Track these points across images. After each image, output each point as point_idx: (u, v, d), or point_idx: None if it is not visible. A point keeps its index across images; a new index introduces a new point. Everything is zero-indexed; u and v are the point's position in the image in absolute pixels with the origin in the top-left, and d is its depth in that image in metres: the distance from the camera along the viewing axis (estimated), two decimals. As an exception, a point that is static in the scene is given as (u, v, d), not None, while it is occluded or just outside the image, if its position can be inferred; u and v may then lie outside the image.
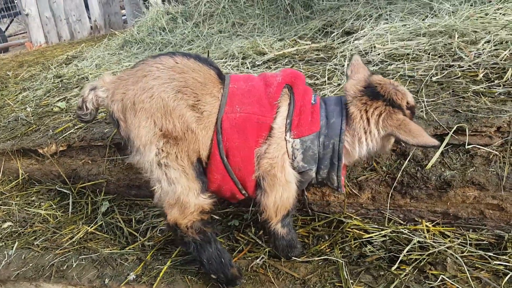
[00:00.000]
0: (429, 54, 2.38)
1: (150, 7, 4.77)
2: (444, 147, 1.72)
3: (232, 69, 2.94)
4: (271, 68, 2.81)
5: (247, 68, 2.89)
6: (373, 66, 2.45)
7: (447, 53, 2.34)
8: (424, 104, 1.89)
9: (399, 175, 1.79)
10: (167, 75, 1.48)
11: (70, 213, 2.43)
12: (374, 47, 2.65)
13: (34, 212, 2.48)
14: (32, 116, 3.07)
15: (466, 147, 1.68)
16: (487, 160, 1.66)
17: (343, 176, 1.62)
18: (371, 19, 3.09)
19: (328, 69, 2.54)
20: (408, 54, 2.44)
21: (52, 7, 8.11)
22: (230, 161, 1.54)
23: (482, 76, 2.02)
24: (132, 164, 1.59)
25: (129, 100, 1.48)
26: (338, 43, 3.00)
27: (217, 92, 1.53)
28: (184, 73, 1.49)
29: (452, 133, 1.71)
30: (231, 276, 1.67)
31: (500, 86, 1.91)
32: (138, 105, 1.46)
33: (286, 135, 1.54)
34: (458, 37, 2.43)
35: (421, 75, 2.19)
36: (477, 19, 2.63)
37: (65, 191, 2.58)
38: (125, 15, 8.38)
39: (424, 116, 1.81)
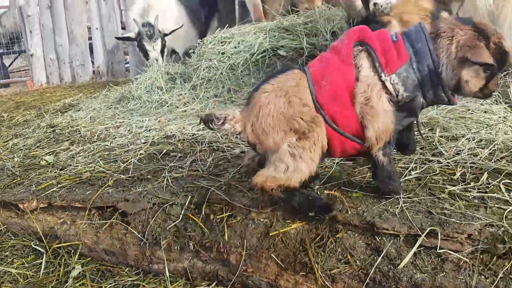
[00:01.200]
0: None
1: (151, 65, 4.93)
2: (417, 248, 1.74)
3: (221, 137, 3.00)
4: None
5: (236, 137, 2.96)
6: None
7: (428, 146, 2.42)
8: (401, 201, 1.93)
9: (371, 272, 1.79)
10: (273, 95, 1.87)
11: (41, 274, 2.38)
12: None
13: (4, 270, 2.43)
14: (18, 167, 3.08)
15: (438, 251, 1.70)
16: (457, 267, 1.67)
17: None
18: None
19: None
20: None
21: (57, 50, 8.33)
22: (339, 126, 1.85)
23: (459, 175, 2.08)
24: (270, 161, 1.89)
25: (258, 128, 1.86)
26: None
27: (305, 83, 1.88)
28: (281, 86, 1.88)
29: (425, 235, 1.73)
30: (325, 205, 1.91)
31: (475, 189, 1.96)
32: (266, 128, 1.85)
33: (381, 76, 1.79)
34: (439, 131, 2.52)
35: (401, 167, 2.25)
36: (459, 113, 2.74)
37: (40, 249, 2.55)
38: (128, 63, 8.61)
39: (397, 213, 1.85)
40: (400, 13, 2.83)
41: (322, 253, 1.90)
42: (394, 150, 2.12)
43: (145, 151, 2.87)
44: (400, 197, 1.94)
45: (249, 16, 6.12)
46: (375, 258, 1.82)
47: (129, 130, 3.39)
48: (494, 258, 1.65)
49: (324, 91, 1.84)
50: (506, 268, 1.61)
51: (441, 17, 1.87)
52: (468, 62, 1.75)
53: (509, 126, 2.53)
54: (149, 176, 2.51)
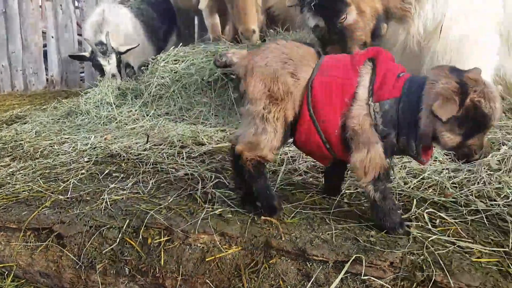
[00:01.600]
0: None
1: (102, 80, 4.85)
2: (344, 274, 1.82)
3: (167, 157, 3.01)
4: (205, 161, 2.90)
5: (183, 158, 2.97)
6: (297, 175, 2.59)
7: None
8: (332, 227, 2.01)
9: (301, 297, 1.85)
10: (279, 50, 2.01)
11: (-31, 298, 2.29)
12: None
13: None
14: (-46, 183, 2.95)
15: (362, 277, 1.78)
16: (380, 293, 1.76)
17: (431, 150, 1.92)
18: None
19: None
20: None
21: (10, 57, 8.06)
22: (316, 114, 1.91)
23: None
24: (242, 112, 2.09)
25: (250, 66, 2.00)
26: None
27: (312, 63, 1.98)
28: (291, 49, 2.01)
29: (351, 262, 1.81)
30: (273, 206, 2.08)
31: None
32: (255, 69, 1.98)
33: (369, 99, 1.84)
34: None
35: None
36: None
37: (-30, 271, 2.44)
38: (83, 73, 8.43)
39: (327, 240, 1.92)
40: (359, 1, 2.81)
41: (256, 278, 1.95)
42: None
43: (87, 171, 2.83)
44: (331, 224, 2.02)
45: (208, 33, 6.18)
46: (305, 283, 1.88)
47: (73, 147, 3.32)
48: (414, 285, 1.74)
49: (321, 78, 1.92)
50: (423, 295, 1.71)
51: (433, 69, 1.90)
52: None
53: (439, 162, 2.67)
54: (88, 198, 2.47)
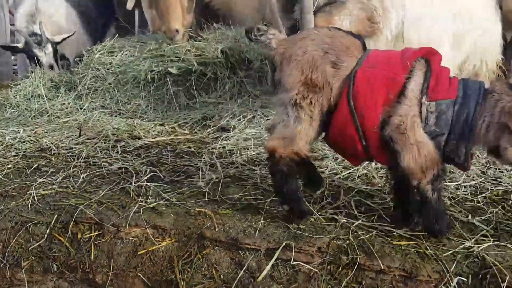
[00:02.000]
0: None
1: (33, 71, 4.61)
2: (275, 261, 1.87)
3: (101, 151, 2.92)
4: (141, 155, 2.85)
5: (117, 152, 2.90)
6: (234, 168, 2.63)
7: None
8: (265, 216, 2.06)
9: (234, 285, 1.88)
10: (321, 38, 1.90)
11: None
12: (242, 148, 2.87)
13: None
14: None
15: (292, 263, 1.84)
16: (308, 277, 1.83)
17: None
18: (244, 120, 3.35)
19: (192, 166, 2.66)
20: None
21: None
22: (356, 106, 1.78)
23: (319, 193, 2.27)
24: (274, 102, 2.02)
25: (288, 54, 1.90)
26: (212, 138, 3.18)
27: (358, 54, 1.88)
28: (334, 38, 1.91)
29: (282, 249, 1.87)
30: (302, 210, 1.99)
31: (331, 204, 2.16)
32: (293, 57, 1.88)
33: (422, 98, 1.73)
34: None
35: (270, 184, 2.39)
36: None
37: None
38: (16, 65, 7.94)
39: (259, 229, 1.96)
40: None
41: (189, 269, 1.96)
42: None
43: (14, 165, 2.69)
44: (262, 213, 2.07)
45: (148, 26, 6.04)
46: (238, 272, 1.91)
47: (0, 141, 3.14)
48: (340, 268, 1.83)
49: (366, 70, 1.81)
50: (349, 277, 1.80)
51: (493, 81, 1.94)
52: (508, 130, 1.69)
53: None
54: (14, 193, 2.36)
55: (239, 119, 3.38)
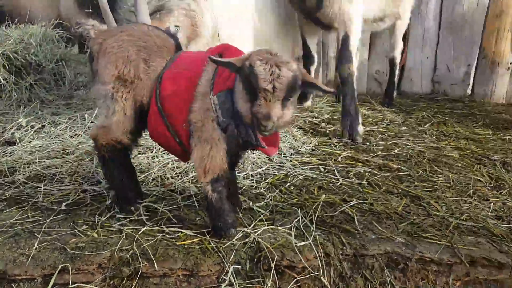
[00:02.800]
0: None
1: None
2: (52, 287, 1.72)
3: None
4: None
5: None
6: (14, 188, 2.34)
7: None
8: (38, 240, 1.88)
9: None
10: (137, 35, 1.99)
11: None
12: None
13: None
14: None
15: (71, 286, 1.72)
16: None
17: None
18: (31, 131, 3.02)
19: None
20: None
21: None
22: (164, 107, 1.90)
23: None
24: (93, 92, 2.06)
25: (104, 46, 1.98)
26: (-8, 155, 2.79)
27: (167, 56, 1.98)
28: (149, 36, 2.00)
29: (58, 273, 1.73)
30: (127, 197, 2.12)
31: (114, 216, 2.09)
32: (110, 50, 1.96)
33: (210, 93, 1.81)
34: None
35: (53, 201, 2.20)
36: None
37: None
38: None
39: (33, 254, 1.79)
40: None
41: None
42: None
43: None
44: (37, 237, 1.89)
45: None
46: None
47: None
48: (123, 281, 1.78)
49: (171, 71, 1.91)
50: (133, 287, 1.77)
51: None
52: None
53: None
54: None
55: (26, 130, 3.03)
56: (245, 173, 2.61)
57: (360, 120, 3.40)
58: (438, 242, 2.05)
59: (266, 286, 1.82)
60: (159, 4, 3.37)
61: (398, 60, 4.54)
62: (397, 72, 4.60)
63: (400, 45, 4.49)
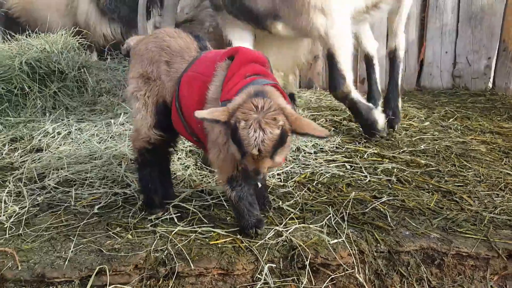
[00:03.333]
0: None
1: None
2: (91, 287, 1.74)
3: None
4: None
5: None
6: (45, 193, 2.38)
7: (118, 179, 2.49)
8: (73, 244, 1.90)
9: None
10: (162, 37, 2.06)
11: None
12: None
13: None
14: None
15: (108, 287, 1.73)
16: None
17: None
18: (59, 137, 3.06)
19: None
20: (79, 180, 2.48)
21: None
22: (181, 106, 1.94)
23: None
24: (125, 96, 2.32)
25: (137, 49, 2.12)
26: (21, 162, 2.83)
27: (188, 57, 1.99)
28: (173, 38, 2.05)
29: (96, 275, 1.74)
30: (153, 202, 2.14)
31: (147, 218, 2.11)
32: (138, 52, 2.10)
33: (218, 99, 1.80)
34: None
35: (86, 205, 2.23)
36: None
37: None
38: None
39: (70, 258, 1.81)
40: None
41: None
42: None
43: None
44: (73, 240, 1.91)
45: None
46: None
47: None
48: (160, 281, 1.80)
49: (189, 74, 1.93)
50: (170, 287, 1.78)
51: None
52: None
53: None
54: None
55: (53, 137, 3.08)
56: (271, 172, 2.61)
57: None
58: (474, 237, 2.01)
59: (302, 284, 1.82)
60: (191, 14, 3.39)
61: (401, 53, 3.50)
62: (401, 68, 3.56)
63: (402, 34, 3.48)
